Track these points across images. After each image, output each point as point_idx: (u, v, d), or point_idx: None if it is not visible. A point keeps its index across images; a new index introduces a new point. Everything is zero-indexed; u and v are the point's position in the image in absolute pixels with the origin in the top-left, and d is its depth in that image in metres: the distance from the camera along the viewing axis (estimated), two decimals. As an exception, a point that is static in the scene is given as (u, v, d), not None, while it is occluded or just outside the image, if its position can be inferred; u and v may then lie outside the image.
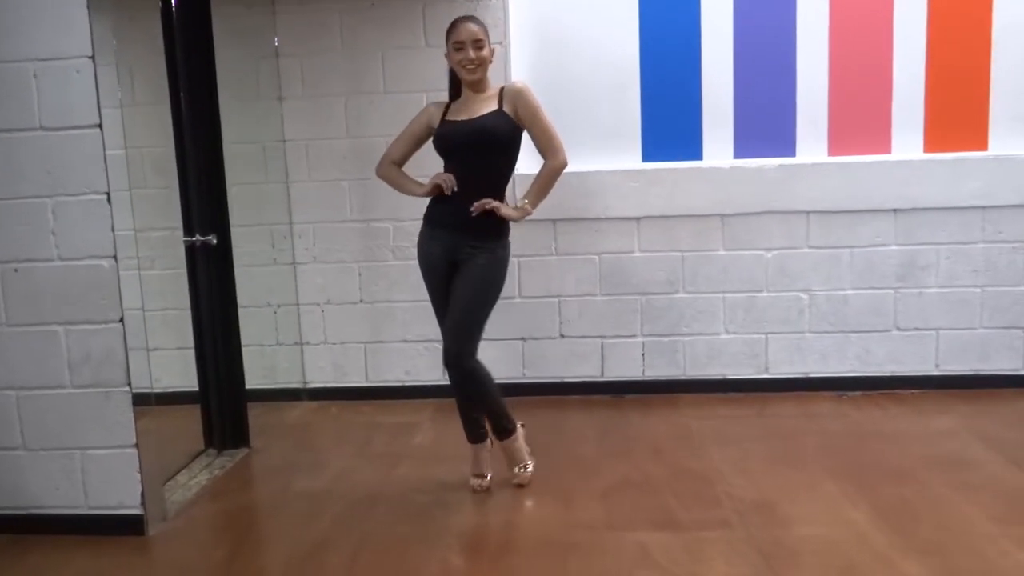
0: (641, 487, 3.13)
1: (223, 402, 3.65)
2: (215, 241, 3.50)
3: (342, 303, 4.32)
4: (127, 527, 2.83)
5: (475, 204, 2.87)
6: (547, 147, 2.98)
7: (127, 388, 2.78)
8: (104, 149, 2.67)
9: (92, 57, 2.63)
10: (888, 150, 4.10)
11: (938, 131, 4.08)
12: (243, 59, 4.06)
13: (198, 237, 3.49)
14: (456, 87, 3.04)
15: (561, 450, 3.55)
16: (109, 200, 2.70)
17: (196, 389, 3.67)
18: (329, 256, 4.29)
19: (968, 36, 4.02)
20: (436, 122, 3.01)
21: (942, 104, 4.06)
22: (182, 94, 3.45)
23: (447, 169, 2.97)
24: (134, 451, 2.82)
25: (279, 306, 4.31)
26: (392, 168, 3.09)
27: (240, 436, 3.68)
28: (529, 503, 3.05)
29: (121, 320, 2.76)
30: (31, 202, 2.71)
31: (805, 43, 4.07)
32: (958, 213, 4.07)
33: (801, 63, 4.09)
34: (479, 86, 2.97)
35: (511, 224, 3.02)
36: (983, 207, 4.05)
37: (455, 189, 2.90)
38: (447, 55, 2.97)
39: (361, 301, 4.30)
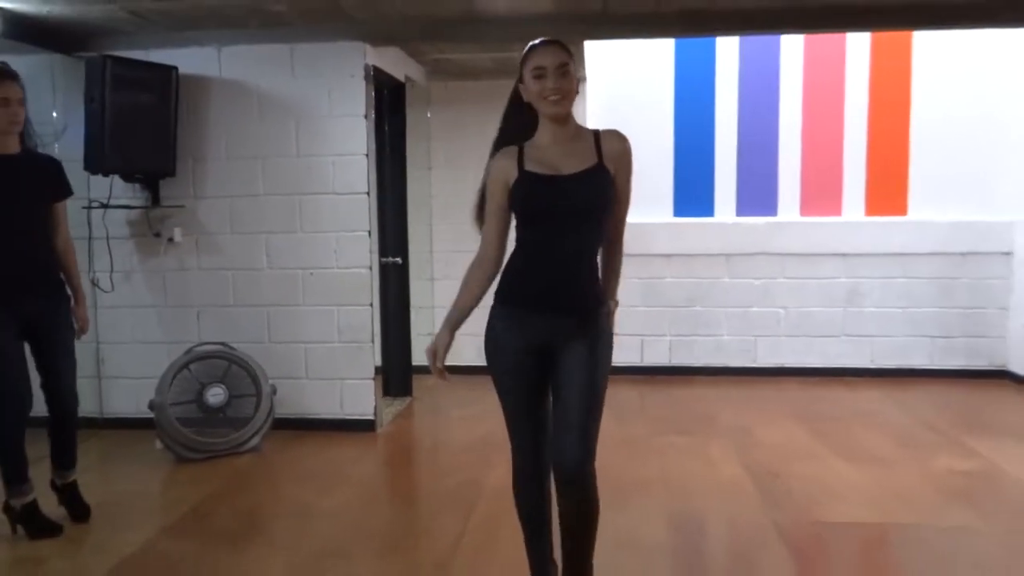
0: (668, 419, 5.07)
1: (397, 367, 5.62)
2: (400, 261, 5.50)
3: (464, 307, 6.29)
4: (365, 427, 4.80)
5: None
6: (621, 224, 2.50)
7: (371, 344, 4.77)
8: (369, 206, 4.69)
9: (367, 155, 4.66)
10: (840, 213, 6.06)
11: (874, 201, 6.04)
12: (408, 142, 6.09)
13: (390, 258, 5.49)
14: (519, 125, 2.40)
15: (616, 406, 5.48)
16: (370, 235, 4.71)
17: (379, 363, 5.63)
18: (457, 274, 6.24)
19: (894, 135, 5.99)
20: (513, 175, 2.33)
21: (877, 182, 6.03)
22: (386, 167, 5.47)
23: (533, 236, 2.36)
24: (372, 382, 4.80)
25: (419, 308, 6.28)
26: (479, 282, 2.50)
27: (407, 389, 5.65)
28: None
29: (371, 304, 4.75)
30: (325, 234, 4.72)
31: (785, 136, 6.06)
32: (887, 258, 6.00)
33: (782, 150, 6.07)
34: (563, 124, 2.34)
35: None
36: (904, 254, 5.99)
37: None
38: (520, 84, 2.35)
39: (480, 307, 6.26)
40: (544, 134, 2.37)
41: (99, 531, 3.47)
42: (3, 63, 3.29)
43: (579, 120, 2.45)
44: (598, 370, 2.37)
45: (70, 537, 3.39)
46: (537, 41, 2.35)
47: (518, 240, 2.41)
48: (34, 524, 3.32)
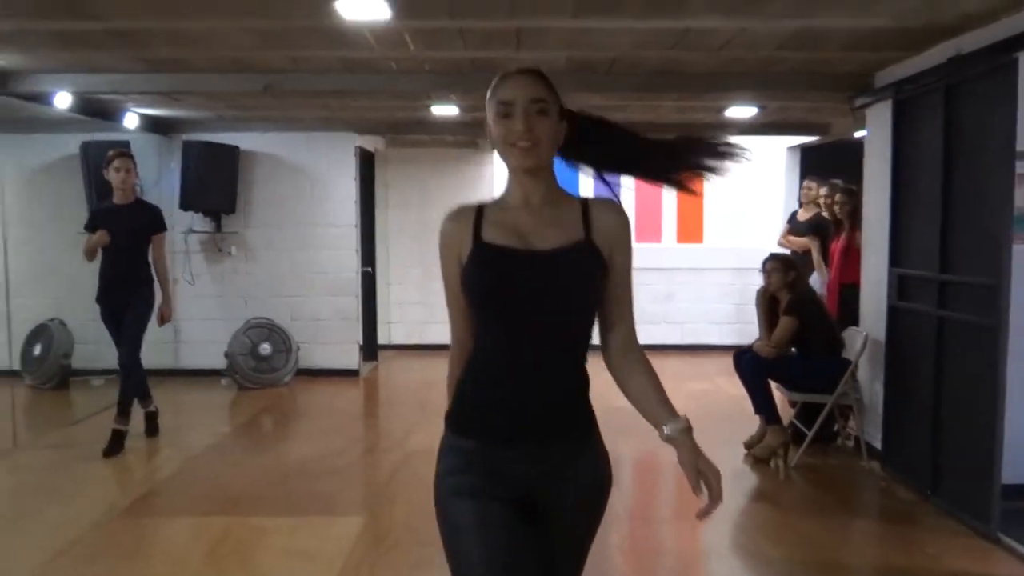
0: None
1: (367, 341, 8.42)
2: (371, 270, 8.33)
3: (410, 303, 9.16)
4: (352, 374, 7.61)
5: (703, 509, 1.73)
6: (628, 328, 1.94)
7: (357, 321, 7.60)
8: (356, 234, 7.53)
9: (356, 201, 7.51)
10: (660, 240, 9.17)
11: (683, 232, 9.19)
12: (376, 192, 8.92)
13: (365, 268, 8.31)
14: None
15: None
16: (356, 253, 7.55)
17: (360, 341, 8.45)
18: (405, 282, 9.13)
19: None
20: (467, 246, 1.77)
21: (685, 220, 9.17)
22: (362, 207, 8.30)
23: (493, 336, 1.80)
24: (356, 345, 7.62)
25: (380, 303, 9.09)
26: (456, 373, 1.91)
27: (374, 356, 8.47)
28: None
29: (357, 296, 7.59)
30: (327, 251, 7.54)
31: (624, 190, 9.12)
32: (690, 272, 9.14)
33: (623, 199, 9.13)
34: (537, 181, 1.78)
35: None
36: (702, 268, 9.13)
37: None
38: (488, 127, 1.77)
39: (420, 303, 9.14)
40: (513, 193, 1.81)
41: (200, 423, 6.17)
42: (124, 146, 5.45)
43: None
44: (589, 538, 1.87)
45: (180, 425, 6.11)
46: (507, 72, 1.77)
47: (474, 344, 1.84)
48: (111, 441, 5.08)
